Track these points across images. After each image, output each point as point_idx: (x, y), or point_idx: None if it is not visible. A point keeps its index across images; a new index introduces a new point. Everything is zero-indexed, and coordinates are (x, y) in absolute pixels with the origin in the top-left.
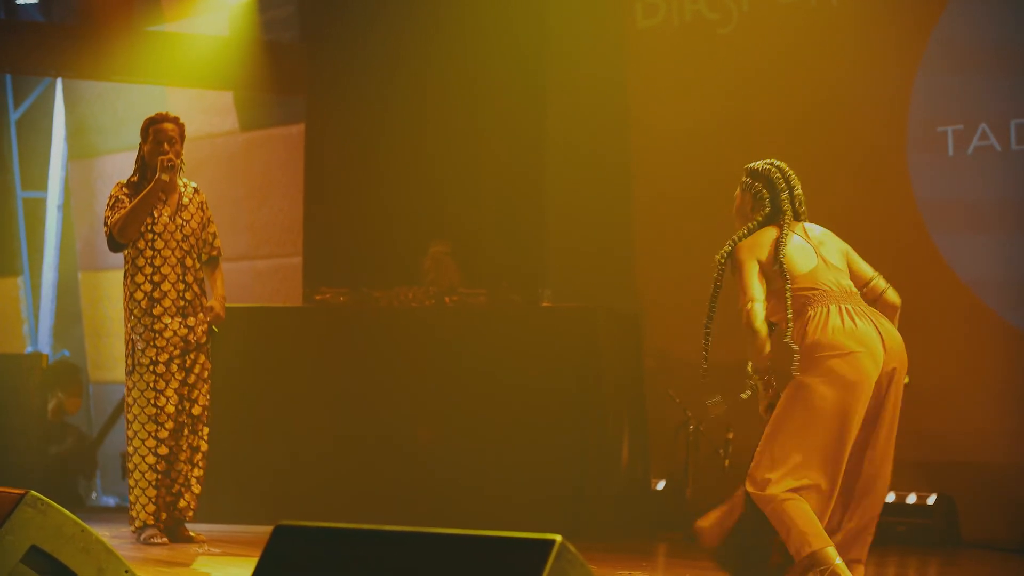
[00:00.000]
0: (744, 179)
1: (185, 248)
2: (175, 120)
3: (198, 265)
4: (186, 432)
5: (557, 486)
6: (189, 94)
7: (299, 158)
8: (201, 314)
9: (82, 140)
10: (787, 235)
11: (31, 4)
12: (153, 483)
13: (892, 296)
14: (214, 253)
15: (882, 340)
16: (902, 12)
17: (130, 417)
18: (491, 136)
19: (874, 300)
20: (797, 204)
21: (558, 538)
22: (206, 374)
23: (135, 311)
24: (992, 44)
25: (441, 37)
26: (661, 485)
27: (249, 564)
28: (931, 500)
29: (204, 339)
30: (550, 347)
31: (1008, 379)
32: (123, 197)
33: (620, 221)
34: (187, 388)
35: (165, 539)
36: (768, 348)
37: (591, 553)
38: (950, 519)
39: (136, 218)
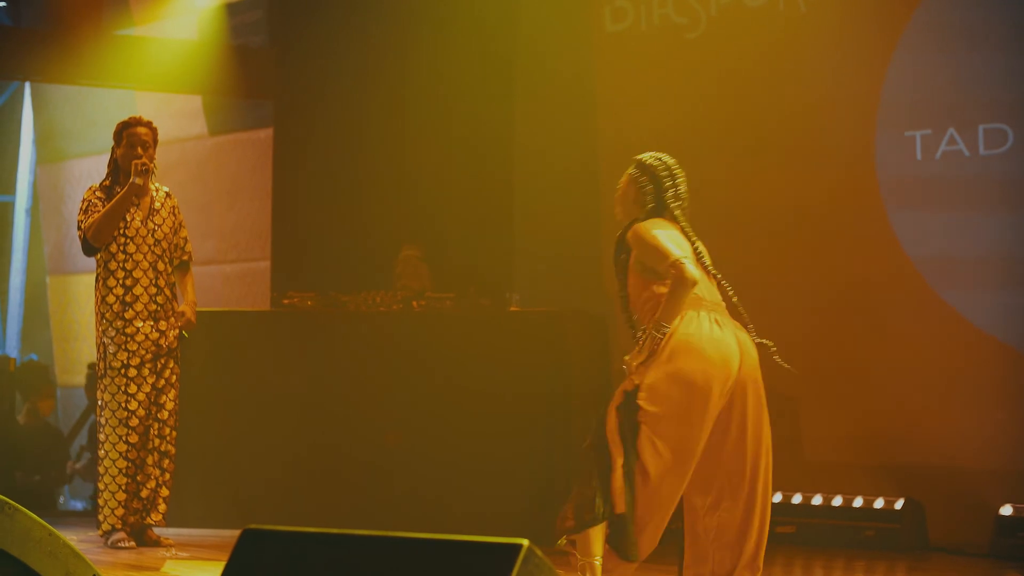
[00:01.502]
0: (631, 170)
1: (157, 252)
2: (148, 124)
3: (170, 269)
4: (153, 436)
5: (525, 490)
6: (158, 98)
7: (268, 162)
8: (172, 319)
9: (50, 144)
10: (688, 230)
11: None
12: (123, 487)
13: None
14: (184, 258)
15: (740, 354)
16: (870, 17)
17: (102, 421)
18: (460, 140)
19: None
20: (680, 203)
21: (525, 542)
22: (175, 379)
23: (107, 315)
24: (960, 49)
25: (411, 42)
26: None
27: (216, 568)
28: (899, 504)
29: (175, 344)
30: (518, 351)
31: (977, 383)
32: (96, 201)
33: (588, 225)
34: (156, 392)
35: (132, 543)
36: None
37: (559, 557)
38: (918, 523)
39: (110, 222)
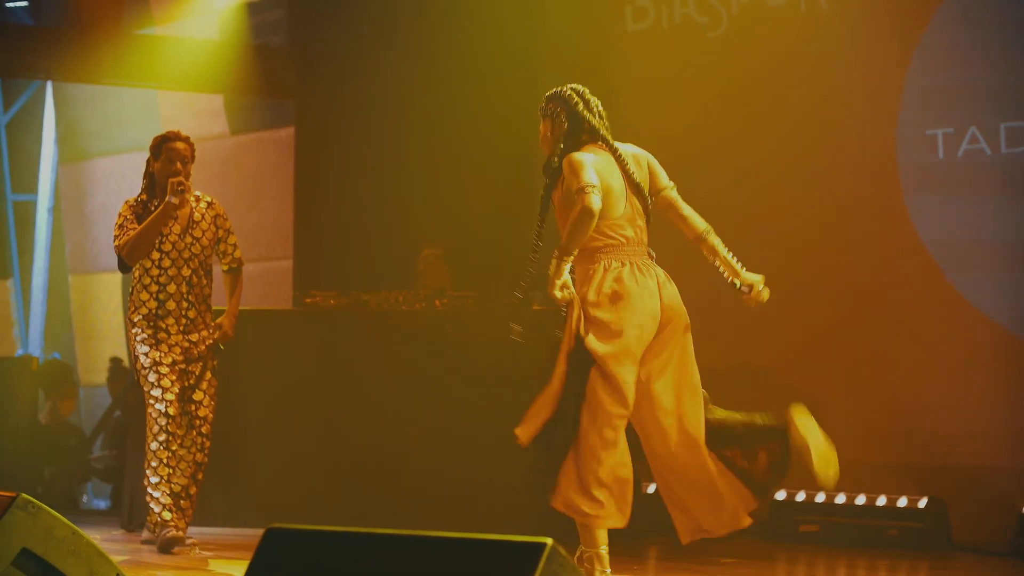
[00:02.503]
0: (540, 106)
1: (192, 266)
2: (186, 139)
3: (205, 282)
4: (189, 445)
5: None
6: (179, 97)
7: (289, 161)
8: (205, 331)
9: (72, 143)
10: (620, 154)
11: (20, 7)
12: (165, 477)
13: (681, 208)
14: (234, 265)
15: (660, 300)
16: (892, 16)
17: (149, 422)
18: (481, 138)
19: (664, 210)
20: (598, 119)
21: (549, 541)
22: (212, 390)
23: (138, 323)
24: (981, 48)
25: (431, 40)
26: (652, 488)
27: (240, 567)
28: (922, 503)
29: (207, 353)
30: (541, 349)
31: (999, 381)
32: (132, 217)
33: None
34: (191, 402)
35: (186, 548)
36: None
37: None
38: (941, 522)
39: (144, 242)
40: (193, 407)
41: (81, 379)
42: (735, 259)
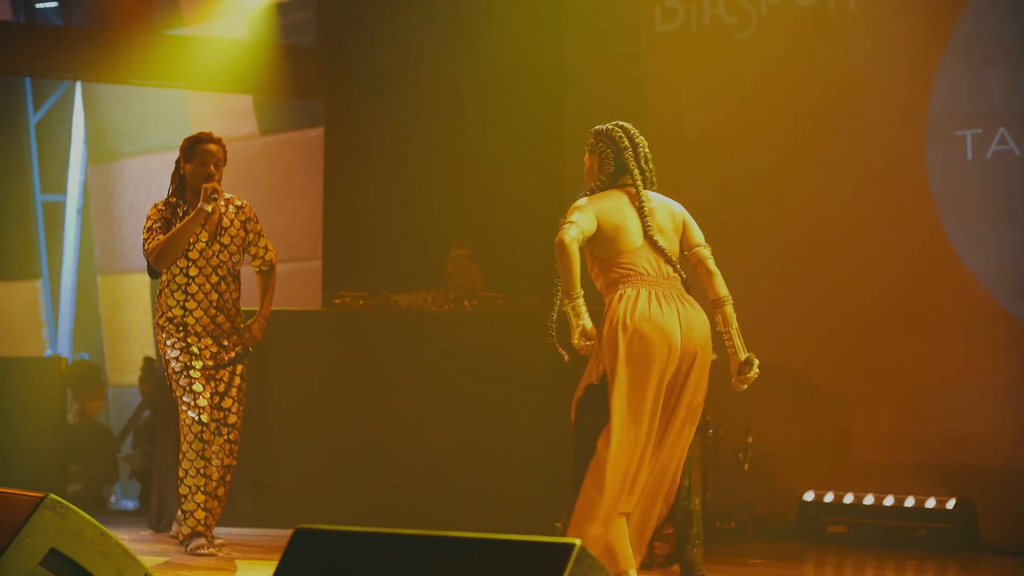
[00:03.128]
0: (589, 141)
1: (220, 274)
2: (219, 141)
3: (233, 287)
4: (216, 448)
5: None
6: (208, 98)
7: (318, 162)
8: (235, 335)
9: (101, 143)
10: (643, 198)
11: (50, 8)
12: (201, 487)
13: (710, 266)
14: (265, 267)
15: (680, 327)
16: (920, 16)
17: (183, 429)
18: (511, 139)
19: (694, 266)
20: (644, 163)
21: (578, 542)
22: (241, 395)
23: (166, 327)
24: (1011, 48)
25: (460, 41)
26: None
27: (269, 567)
28: (950, 504)
29: (236, 358)
30: (570, 350)
31: None
32: (160, 220)
33: None
34: (220, 408)
35: (214, 550)
36: (577, 271)
37: None
38: (969, 523)
39: (173, 248)
40: (222, 414)
41: (110, 379)
42: (740, 336)
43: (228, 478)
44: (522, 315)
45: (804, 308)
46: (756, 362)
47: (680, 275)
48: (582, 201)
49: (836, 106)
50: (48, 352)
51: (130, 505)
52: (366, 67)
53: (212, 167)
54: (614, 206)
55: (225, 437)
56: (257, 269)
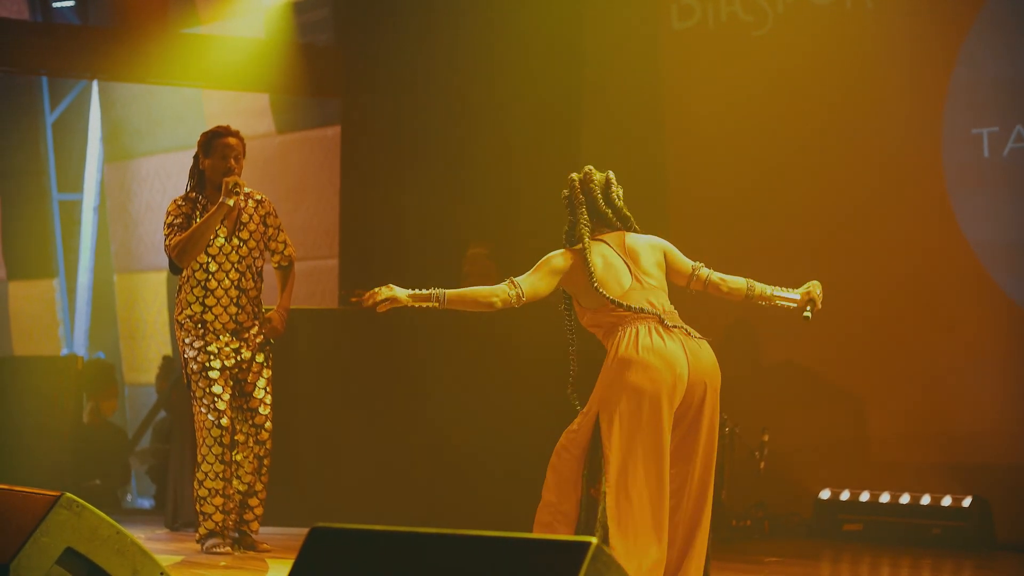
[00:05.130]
0: (564, 193)
1: (240, 270)
2: (237, 134)
3: (253, 284)
4: (250, 443)
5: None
6: (225, 96)
7: (335, 160)
8: (255, 329)
9: (118, 142)
10: (589, 250)
11: (67, 7)
12: (220, 491)
13: (716, 278)
14: (284, 263)
15: (687, 359)
16: (937, 14)
17: (197, 425)
18: (527, 137)
19: (704, 288)
20: (604, 207)
21: (594, 540)
22: (269, 386)
23: (185, 324)
24: None
25: (476, 39)
26: None
27: (285, 566)
28: (966, 503)
29: (255, 353)
30: (586, 348)
31: None
32: (181, 216)
33: (655, 222)
34: (248, 402)
35: (228, 548)
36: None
37: None
38: (985, 522)
39: (196, 244)
40: (250, 412)
41: (126, 378)
42: (782, 289)
43: (264, 472)
44: (538, 314)
45: (820, 308)
46: (817, 288)
47: (672, 309)
48: (553, 257)
49: (852, 104)
50: (64, 351)
51: (146, 504)
52: (382, 65)
53: (232, 161)
54: (598, 252)
55: (257, 433)
56: (276, 265)
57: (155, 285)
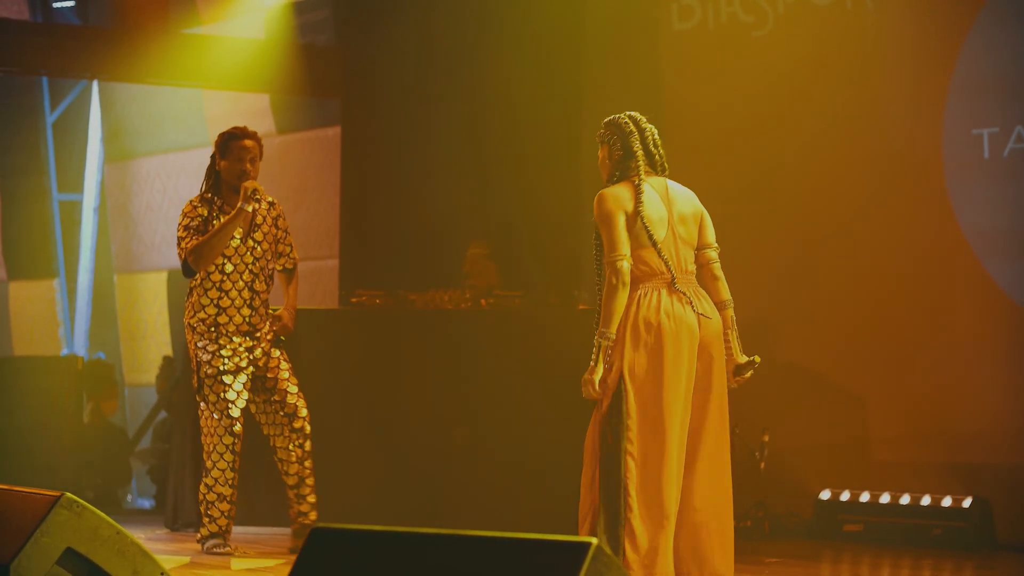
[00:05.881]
0: (599, 133)
1: (254, 271)
2: (254, 135)
3: (265, 287)
4: (286, 432)
5: None
6: (225, 97)
7: (335, 161)
8: (265, 327)
9: (118, 143)
10: (642, 189)
11: (67, 7)
12: (228, 497)
13: (715, 270)
14: (289, 265)
15: (699, 326)
16: (937, 15)
17: (206, 431)
18: (528, 137)
19: (701, 266)
20: (652, 147)
21: (594, 541)
22: (289, 375)
23: (198, 328)
24: None
25: (477, 40)
26: None
27: (284, 566)
28: (966, 503)
29: (269, 349)
30: (586, 349)
31: None
32: (197, 219)
33: None
34: (268, 393)
35: (229, 549)
36: (621, 312)
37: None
38: (986, 522)
39: (214, 249)
40: (278, 404)
41: (126, 378)
42: (738, 340)
43: (307, 459)
44: (539, 314)
45: (820, 307)
46: (758, 361)
47: (693, 269)
48: (614, 214)
49: (853, 105)
50: (65, 351)
51: (146, 504)
52: (383, 66)
53: (248, 163)
54: (647, 194)
55: (290, 425)
56: (281, 268)
57: (155, 285)
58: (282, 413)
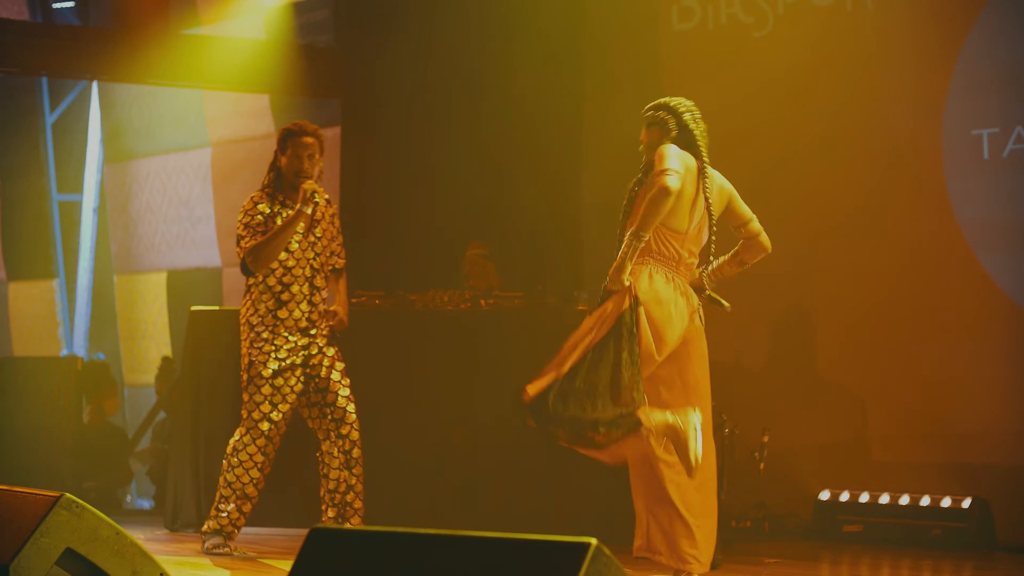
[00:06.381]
0: (647, 114)
1: (315, 266)
2: (314, 132)
3: (323, 284)
4: (332, 437)
5: (590, 489)
6: (225, 97)
7: (335, 161)
8: (321, 322)
9: (118, 143)
10: (707, 173)
11: (67, 8)
12: (250, 497)
13: (764, 240)
14: (339, 265)
15: (689, 322)
16: (937, 16)
17: (243, 429)
18: (528, 138)
19: (749, 239)
20: (703, 136)
21: (593, 541)
22: (342, 376)
23: (256, 326)
24: None
25: (477, 40)
26: None
27: (284, 567)
28: (966, 503)
29: (324, 346)
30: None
31: None
32: (259, 216)
33: None
34: (321, 394)
35: (228, 549)
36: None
37: (624, 556)
38: (985, 522)
39: (274, 251)
40: (328, 407)
41: (126, 379)
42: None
43: (353, 463)
44: (539, 315)
45: (819, 307)
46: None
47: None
48: (672, 148)
49: (852, 105)
50: (64, 352)
51: (146, 504)
52: (382, 66)
53: (306, 160)
54: (690, 177)
55: (336, 429)
56: (332, 267)
57: (155, 286)
58: (330, 417)
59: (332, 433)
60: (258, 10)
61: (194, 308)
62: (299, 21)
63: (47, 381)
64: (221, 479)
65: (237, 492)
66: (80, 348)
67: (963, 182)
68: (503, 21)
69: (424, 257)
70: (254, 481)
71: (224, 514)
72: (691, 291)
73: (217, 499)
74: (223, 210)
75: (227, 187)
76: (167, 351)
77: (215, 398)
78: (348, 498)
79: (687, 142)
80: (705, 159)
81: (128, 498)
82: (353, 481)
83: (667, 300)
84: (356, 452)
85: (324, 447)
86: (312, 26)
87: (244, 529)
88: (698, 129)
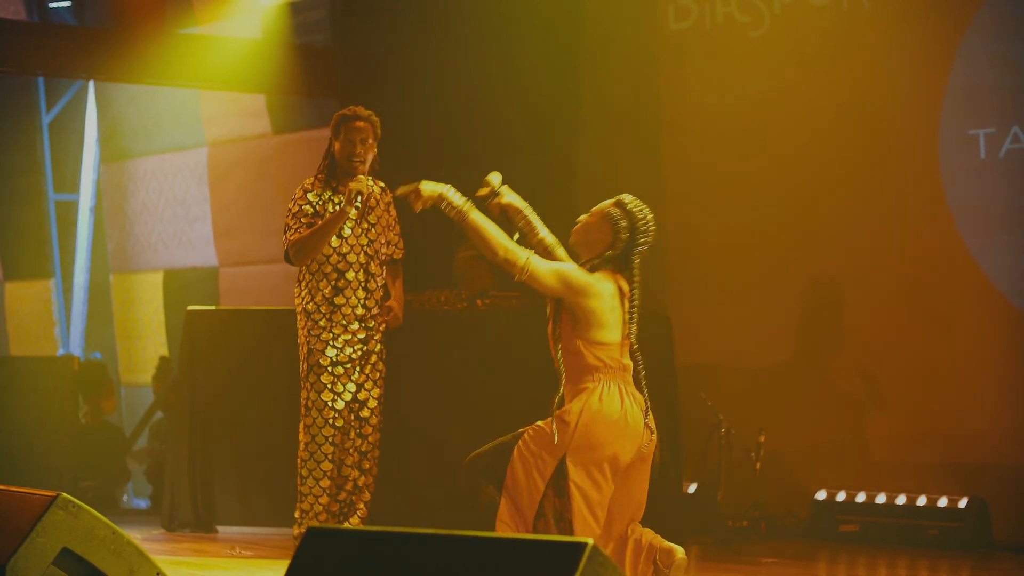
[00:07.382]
0: (609, 208)
1: (369, 253)
2: (367, 118)
3: (379, 271)
4: (353, 436)
5: None
6: (222, 97)
7: None
8: (380, 315)
9: (114, 143)
10: (635, 287)
11: (63, 7)
12: (326, 490)
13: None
14: (396, 255)
15: (643, 427)
16: (933, 16)
17: (308, 421)
18: (524, 138)
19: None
20: (641, 255)
21: (590, 541)
22: (380, 378)
23: (313, 315)
24: None
25: (473, 39)
26: (693, 488)
27: (280, 567)
28: (963, 503)
29: (378, 346)
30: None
31: None
32: (307, 205)
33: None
34: (358, 390)
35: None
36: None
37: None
38: (982, 522)
39: (316, 246)
40: (357, 404)
41: (122, 378)
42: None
43: (368, 466)
44: (536, 315)
45: (816, 307)
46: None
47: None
48: (599, 288)
49: (849, 105)
50: (61, 351)
51: (142, 504)
52: (379, 66)
53: (359, 144)
54: (610, 293)
55: (358, 428)
56: (388, 258)
57: (151, 285)
58: (355, 416)
59: (353, 432)
60: (254, 10)
61: (191, 308)
62: (295, 21)
63: (44, 381)
64: (299, 478)
65: (320, 490)
66: (77, 348)
67: (959, 182)
68: (499, 21)
69: (421, 257)
70: (327, 472)
71: (313, 516)
72: (642, 399)
73: (299, 502)
74: (219, 210)
75: (223, 186)
76: (164, 351)
77: (212, 398)
78: (353, 497)
79: (626, 259)
80: (636, 282)
81: (125, 498)
82: (362, 482)
83: (622, 414)
84: (373, 455)
85: (345, 443)
86: (308, 25)
87: (243, 529)
88: (645, 242)
